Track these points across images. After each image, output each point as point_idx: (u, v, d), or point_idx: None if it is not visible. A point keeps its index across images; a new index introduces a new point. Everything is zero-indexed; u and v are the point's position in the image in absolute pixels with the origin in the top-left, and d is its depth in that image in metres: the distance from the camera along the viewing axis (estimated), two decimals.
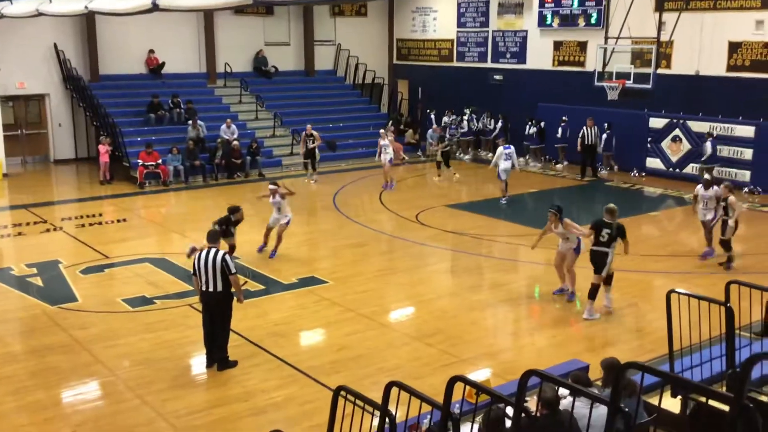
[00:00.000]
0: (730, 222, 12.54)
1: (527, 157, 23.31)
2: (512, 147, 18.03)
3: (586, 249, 11.01)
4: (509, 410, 4.58)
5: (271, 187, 13.67)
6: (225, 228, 12.14)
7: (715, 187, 13.03)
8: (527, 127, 23.23)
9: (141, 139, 21.30)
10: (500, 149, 17.89)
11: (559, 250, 11.43)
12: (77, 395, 8.55)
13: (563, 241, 11.32)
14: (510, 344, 10.16)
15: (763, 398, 6.21)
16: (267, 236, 13.72)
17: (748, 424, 3.02)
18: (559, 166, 22.80)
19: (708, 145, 19.11)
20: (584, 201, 19.56)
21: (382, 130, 20.39)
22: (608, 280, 10.75)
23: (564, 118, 22.41)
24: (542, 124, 23.24)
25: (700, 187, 13.33)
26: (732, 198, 12.63)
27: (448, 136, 24.92)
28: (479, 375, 8.73)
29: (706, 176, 13.61)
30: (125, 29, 22.98)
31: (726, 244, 12.76)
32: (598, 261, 10.53)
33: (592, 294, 10.61)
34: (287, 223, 13.50)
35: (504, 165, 17.69)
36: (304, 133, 20.55)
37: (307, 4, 24.71)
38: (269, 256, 13.51)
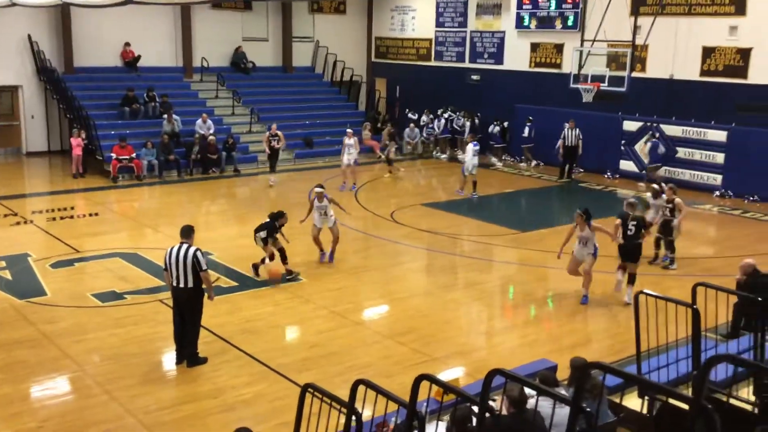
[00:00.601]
0: (675, 222, 12.85)
1: (489, 155, 23.66)
2: (479, 144, 18.97)
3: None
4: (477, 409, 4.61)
5: (318, 189, 12.99)
6: (268, 233, 11.98)
7: (664, 195, 13.25)
8: (491, 126, 23.67)
9: (115, 133, 21.07)
10: (470, 146, 18.52)
11: (575, 254, 11.34)
12: (45, 390, 8.45)
13: (581, 246, 11.20)
14: (482, 343, 10.21)
15: (733, 401, 6.30)
16: (318, 242, 13.07)
17: (708, 425, 3.07)
18: (523, 165, 23.06)
19: (649, 144, 20.00)
20: (562, 201, 19.73)
21: (348, 129, 20.11)
22: (631, 279, 11.36)
23: (530, 117, 22.72)
24: (506, 123, 23.62)
25: (649, 196, 13.62)
26: (678, 200, 12.93)
27: (425, 135, 25.08)
28: (450, 374, 8.76)
29: (654, 186, 13.82)
30: (101, 21, 22.72)
31: (671, 245, 13.04)
32: (634, 252, 11.27)
33: (632, 280, 11.31)
34: (335, 222, 13.05)
35: (473, 161, 18.36)
36: (268, 133, 20.14)
37: (285, 0, 24.63)
38: (328, 260, 13.03)
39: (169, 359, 9.15)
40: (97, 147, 20.74)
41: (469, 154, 18.47)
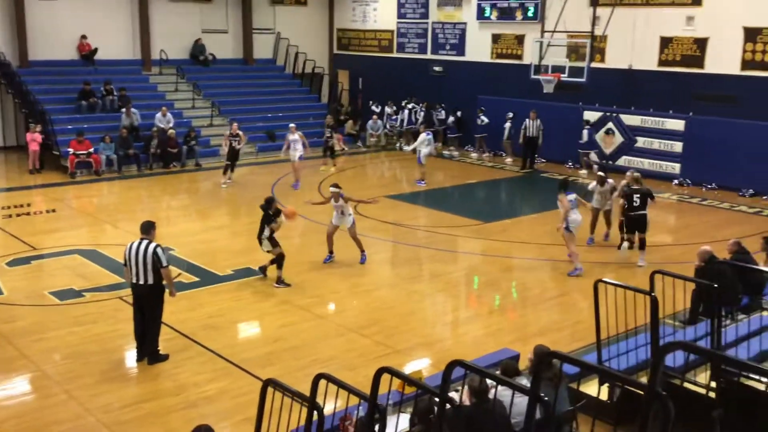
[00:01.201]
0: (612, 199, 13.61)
1: (441, 145, 23.98)
2: (432, 134, 19.62)
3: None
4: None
5: (333, 189, 12.70)
6: (269, 226, 11.56)
7: (610, 180, 13.72)
8: (436, 114, 24.05)
9: (72, 128, 20.67)
10: (423, 135, 19.02)
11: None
12: (2, 391, 8.25)
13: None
14: (446, 334, 10.24)
15: (691, 386, 6.40)
16: (331, 242, 12.73)
17: (662, 411, 3.10)
18: (474, 155, 23.33)
19: (585, 132, 20.52)
20: (524, 191, 19.89)
21: (291, 125, 19.29)
22: (642, 244, 12.53)
23: (482, 108, 22.94)
24: (459, 113, 23.86)
25: (595, 185, 13.84)
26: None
27: (388, 127, 25.05)
28: (414, 365, 8.79)
29: (600, 173, 14.15)
30: (56, 14, 22.25)
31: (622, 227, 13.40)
32: (640, 222, 12.46)
33: (643, 245, 12.56)
34: (353, 223, 12.71)
35: (426, 150, 18.93)
36: (228, 132, 19.18)
37: None
38: (360, 261, 12.66)
39: (129, 357, 9.02)
40: (54, 142, 20.33)
41: (423, 144, 18.90)
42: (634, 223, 12.62)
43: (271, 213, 11.73)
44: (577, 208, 12.38)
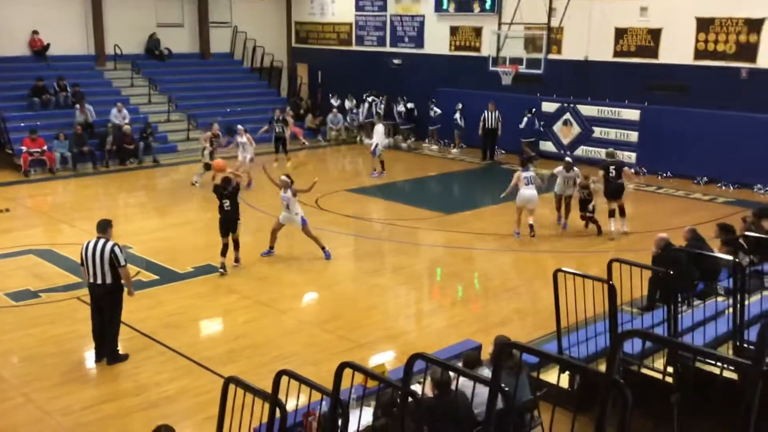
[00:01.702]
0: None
1: (396, 137, 24.28)
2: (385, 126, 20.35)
3: None
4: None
5: (284, 178, 12.45)
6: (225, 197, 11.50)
7: (576, 169, 14.40)
8: (396, 106, 24.14)
9: (25, 125, 20.23)
10: (379, 127, 19.65)
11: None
12: None
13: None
14: (409, 326, 10.26)
15: (649, 372, 6.51)
16: (274, 238, 12.56)
17: (620, 398, 3.15)
18: (434, 147, 23.55)
19: (525, 120, 20.94)
20: (484, 182, 20.01)
21: (239, 127, 18.59)
22: (622, 211, 13.94)
23: (433, 99, 23.16)
24: (410, 105, 23.98)
25: (561, 169, 14.35)
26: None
27: (348, 120, 24.97)
28: (378, 359, 8.80)
29: (568, 159, 15.20)
30: (6, 8, 21.71)
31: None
32: (616, 190, 13.92)
33: (612, 214, 13.90)
34: (305, 223, 12.43)
35: (384, 142, 19.53)
36: (209, 132, 18.51)
37: None
38: (325, 258, 12.42)
39: (88, 358, 8.87)
40: (6, 140, 19.87)
41: (380, 136, 19.25)
42: (614, 193, 13.97)
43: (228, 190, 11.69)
44: (533, 185, 13.40)
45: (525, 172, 13.64)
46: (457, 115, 22.55)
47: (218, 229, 11.82)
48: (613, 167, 14.03)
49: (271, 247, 12.67)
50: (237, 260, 12.02)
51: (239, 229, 11.90)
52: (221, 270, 11.76)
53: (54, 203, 17.48)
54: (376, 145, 19.15)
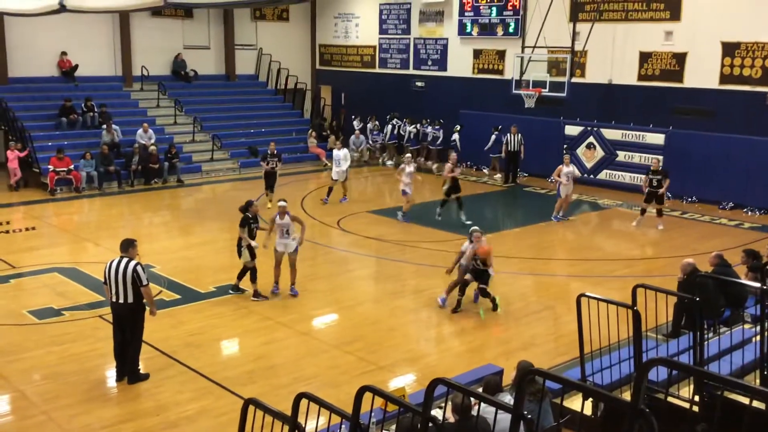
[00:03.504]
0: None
1: (419, 159, 24.13)
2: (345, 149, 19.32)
3: None
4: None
5: (282, 204, 11.75)
6: (248, 231, 11.52)
7: (572, 166, 17.38)
8: (423, 129, 24.21)
9: (52, 144, 20.53)
10: (344, 152, 18.86)
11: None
12: None
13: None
14: (430, 350, 10.19)
15: (674, 400, 6.39)
16: (278, 272, 11.79)
17: (645, 427, 3.08)
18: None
19: (493, 137, 21.81)
20: (506, 205, 19.93)
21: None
22: (659, 213, 16.26)
23: (440, 120, 23.59)
24: (418, 126, 24.29)
25: (563, 166, 16.95)
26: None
27: (370, 142, 25.04)
28: (398, 382, 8.73)
29: (566, 156, 17.78)
30: (36, 30, 22.11)
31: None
32: (656, 198, 16.17)
33: (660, 213, 16.36)
34: (296, 249, 11.75)
35: (342, 167, 18.50)
36: (267, 150, 18.37)
37: (226, 7, 24.34)
38: (291, 293, 11.77)
39: (109, 376, 8.90)
40: (33, 159, 20.16)
41: (347, 160, 18.66)
42: (652, 197, 16.18)
43: (249, 216, 11.64)
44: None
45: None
46: (456, 137, 22.82)
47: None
48: (657, 178, 16.05)
49: (277, 282, 11.87)
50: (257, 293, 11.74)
51: (244, 257, 11.63)
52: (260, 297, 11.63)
53: (79, 222, 17.67)
54: (345, 171, 18.43)
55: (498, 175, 22.33)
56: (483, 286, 11.14)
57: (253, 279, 11.61)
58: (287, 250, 11.69)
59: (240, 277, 11.77)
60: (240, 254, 11.66)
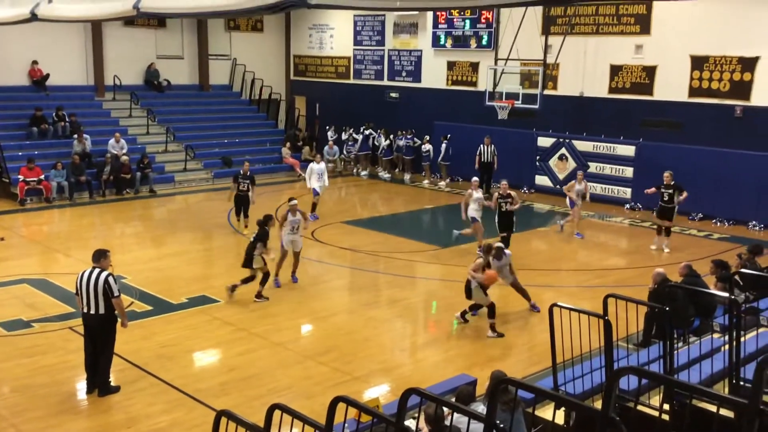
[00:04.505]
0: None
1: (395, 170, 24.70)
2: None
3: None
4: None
5: (293, 202, 12.83)
6: (264, 243, 11.83)
7: (584, 182, 16.77)
8: (397, 140, 24.33)
9: (22, 154, 20.28)
10: (320, 165, 18.21)
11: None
12: None
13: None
14: (404, 360, 10.20)
15: (644, 409, 6.45)
16: (280, 267, 12.65)
17: None
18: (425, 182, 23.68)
19: (443, 145, 22.76)
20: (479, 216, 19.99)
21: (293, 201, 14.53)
22: (668, 232, 15.39)
23: (448, 135, 23.50)
24: (391, 137, 24.44)
25: (575, 182, 16.77)
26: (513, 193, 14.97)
27: (345, 153, 25.06)
28: (373, 392, 8.72)
29: (580, 172, 17.24)
30: (6, 38, 21.84)
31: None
32: (668, 213, 15.38)
33: (659, 231, 15.58)
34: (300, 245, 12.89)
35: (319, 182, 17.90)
36: (239, 172, 16.84)
37: (200, 17, 24.24)
38: (293, 280, 12.88)
39: (80, 389, 8.79)
40: (3, 169, 19.89)
41: (322, 173, 17.90)
42: (664, 214, 15.41)
43: (267, 230, 11.97)
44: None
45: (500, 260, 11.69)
46: (482, 149, 21.97)
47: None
48: (669, 192, 15.30)
49: (277, 275, 12.71)
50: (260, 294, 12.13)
51: (256, 263, 11.94)
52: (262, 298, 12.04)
53: (49, 232, 17.45)
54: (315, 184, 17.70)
55: (442, 183, 23.07)
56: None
57: (264, 282, 11.97)
58: (294, 247, 12.68)
59: (245, 281, 11.94)
60: (251, 264, 11.87)
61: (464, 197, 15.36)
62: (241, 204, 16.49)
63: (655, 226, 16.24)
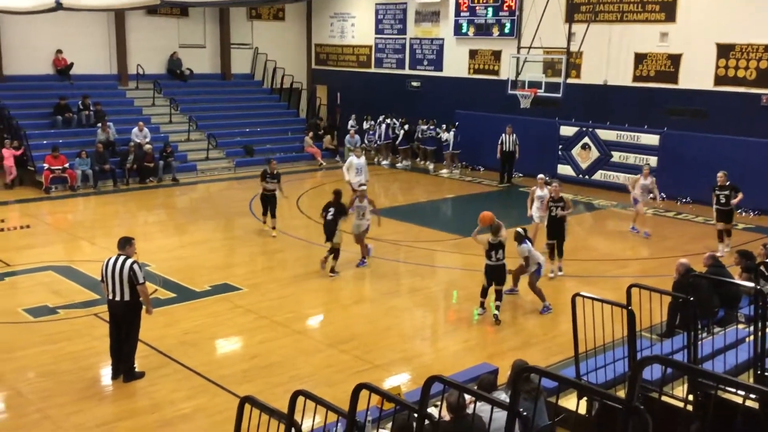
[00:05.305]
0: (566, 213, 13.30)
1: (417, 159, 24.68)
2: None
3: None
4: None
5: (363, 188, 13.66)
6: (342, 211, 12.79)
7: (651, 178, 15.62)
8: (426, 130, 24.14)
9: (47, 143, 20.49)
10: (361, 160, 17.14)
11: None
12: None
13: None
14: (425, 349, 10.21)
15: (668, 399, 6.42)
16: (362, 245, 13.49)
17: (640, 425, 3.11)
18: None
19: (450, 135, 22.84)
20: (501, 205, 19.93)
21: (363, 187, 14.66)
22: (729, 233, 14.36)
23: (455, 123, 23.46)
24: (407, 126, 24.38)
25: (640, 177, 15.79)
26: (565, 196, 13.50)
27: (366, 142, 25.03)
28: (393, 381, 8.75)
29: (646, 166, 16.31)
30: (31, 28, 22.07)
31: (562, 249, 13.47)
32: (726, 217, 14.31)
33: (729, 234, 14.50)
34: (367, 229, 13.38)
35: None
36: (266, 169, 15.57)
37: (222, 5, 24.34)
38: (359, 264, 13.43)
39: (105, 375, 8.91)
40: (28, 157, 20.12)
41: (362, 168, 16.71)
42: (723, 216, 14.35)
43: (343, 204, 12.91)
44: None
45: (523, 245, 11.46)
46: (504, 138, 21.37)
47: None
48: (725, 193, 14.18)
49: (364, 256, 13.48)
50: (333, 269, 12.95)
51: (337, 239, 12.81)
52: (332, 273, 12.86)
53: (74, 220, 17.64)
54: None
55: (445, 171, 23.06)
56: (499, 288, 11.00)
57: (337, 257, 12.84)
58: (359, 230, 13.23)
59: (333, 254, 12.86)
60: (332, 237, 12.75)
61: (530, 193, 14.45)
62: (268, 204, 15.41)
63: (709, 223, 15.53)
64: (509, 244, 11.21)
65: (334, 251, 12.81)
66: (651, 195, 15.82)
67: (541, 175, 14.93)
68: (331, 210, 12.83)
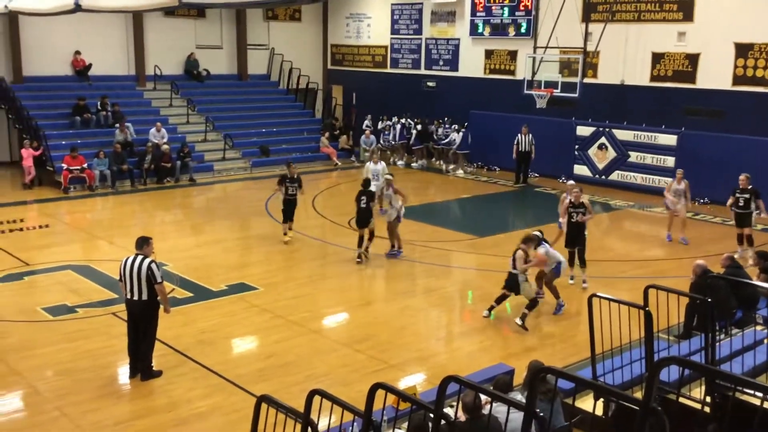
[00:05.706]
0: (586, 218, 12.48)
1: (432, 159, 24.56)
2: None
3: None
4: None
5: (389, 176, 14.21)
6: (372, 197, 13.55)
7: (684, 182, 15.28)
8: (443, 131, 24.00)
9: (66, 143, 20.67)
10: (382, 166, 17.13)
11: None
12: None
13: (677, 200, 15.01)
14: (440, 349, 10.21)
15: (685, 401, 6.39)
16: (393, 237, 14.06)
17: (657, 426, 3.10)
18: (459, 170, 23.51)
19: (459, 135, 22.85)
20: (517, 205, 19.91)
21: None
22: (750, 241, 13.83)
23: (464, 124, 23.42)
24: (419, 126, 24.29)
25: (673, 181, 15.42)
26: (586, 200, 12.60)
27: (381, 142, 25.03)
28: (408, 381, 8.76)
29: (679, 171, 15.67)
30: (50, 29, 22.27)
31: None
32: (745, 220, 13.95)
33: (751, 241, 13.90)
34: (398, 218, 13.85)
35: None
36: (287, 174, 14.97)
37: (239, 7, 24.42)
38: (395, 256, 13.94)
39: (122, 373, 8.97)
40: (47, 157, 20.31)
41: (378, 174, 16.36)
42: (742, 221, 14.03)
43: (372, 190, 13.69)
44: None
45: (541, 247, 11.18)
46: (520, 138, 21.24)
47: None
48: (744, 196, 13.87)
49: (399, 247, 14.07)
50: (367, 249, 13.74)
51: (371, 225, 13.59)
52: (358, 259, 13.52)
53: (92, 220, 17.78)
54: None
55: (460, 171, 22.98)
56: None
57: (371, 238, 13.68)
58: (389, 218, 13.81)
59: (370, 239, 13.71)
60: (367, 225, 13.53)
61: (561, 200, 13.81)
62: (290, 209, 14.86)
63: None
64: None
65: (370, 234, 13.62)
66: (683, 200, 15.23)
67: (571, 182, 14.51)
68: (364, 198, 13.49)
